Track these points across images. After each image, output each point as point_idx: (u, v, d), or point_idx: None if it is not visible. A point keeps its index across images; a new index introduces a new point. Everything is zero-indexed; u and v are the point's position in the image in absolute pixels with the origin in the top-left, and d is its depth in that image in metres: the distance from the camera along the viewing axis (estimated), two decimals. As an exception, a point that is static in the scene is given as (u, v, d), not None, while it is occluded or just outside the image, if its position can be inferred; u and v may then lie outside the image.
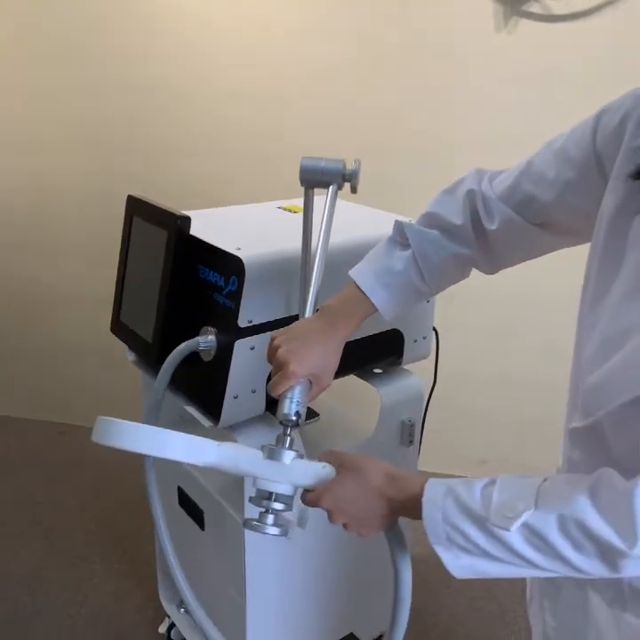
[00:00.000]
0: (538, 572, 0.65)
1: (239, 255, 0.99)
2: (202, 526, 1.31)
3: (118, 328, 1.25)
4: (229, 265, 1.01)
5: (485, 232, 0.85)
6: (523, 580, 0.86)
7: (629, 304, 0.65)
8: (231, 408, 1.05)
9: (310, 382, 0.81)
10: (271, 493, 0.75)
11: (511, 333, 2.12)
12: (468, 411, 2.21)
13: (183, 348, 1.04)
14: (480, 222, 0.84)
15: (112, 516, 2.10)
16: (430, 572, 0.69)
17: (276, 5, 1.95)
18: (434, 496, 0.69)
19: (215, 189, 2.11)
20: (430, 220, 0.89)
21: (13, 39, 2.15)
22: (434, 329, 1.34)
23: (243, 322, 1.01)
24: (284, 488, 0.75)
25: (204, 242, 1.07)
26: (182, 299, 1.08)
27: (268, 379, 1.04)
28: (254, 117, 2.07)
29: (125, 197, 1.23)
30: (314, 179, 0.90)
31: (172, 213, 1.07)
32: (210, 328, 1.05)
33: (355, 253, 0.93)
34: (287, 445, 0.77)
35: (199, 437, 0.74)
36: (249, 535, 1.14)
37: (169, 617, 1.60)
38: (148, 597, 1.76)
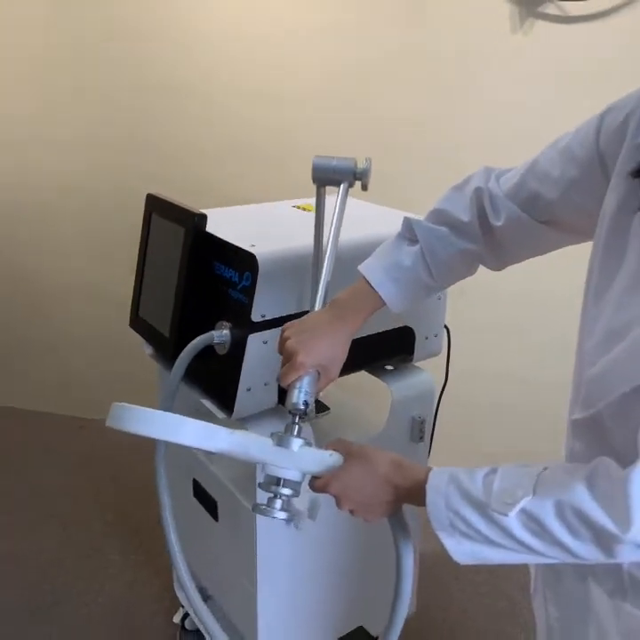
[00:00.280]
0: (538, 558, 0.67)
1: (253, 252, 1.02)
2: (215, 517, 1.34)
3: (137, 323, 1.29)
4: (244, 261, 1.04)
5: (492, 229, 0.86)
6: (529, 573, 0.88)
7: (630, 299, 0.66)
8: (244, 400, 1.08)
9: (318, 373, 0.83)
10: (279, 479, 0.78)
11: (521, 330, 2.13)
12: (480, 408, 2.22)
13: (198, 341, 1.07)
14: (487, 219, 0.86)
15: (128, 507, 2.15)
16: (439, 567, 0.71)
17: (292, 7, 1.98)
18: (437, 482, 0.71)
19: (231, 188, 2.15)
20: (438, 216, 0.90)
21: (42, 42, 2.20)
22: (445, 327, 1.35)
23: (256, 316, 1.04)
24: (292, 474, 0.77)
25: (220, 239, 1.10)
26: (198, 294, 1.12)
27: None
28: (269, 117, 2.10)
29: (142, 196, 1.26)
30: (325, 177, 0.92)
31: (189, 211, 1.10)
32: (224, 322, 1.08)
33: (364, 250, 0.95)
34: (295, 433, 0.80)
35: (211, 424, 0.77)
36: (261, 526, 1.17)
37: (183, 607, 1.63)
38: (164, 587, 1.80)
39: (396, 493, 0.76)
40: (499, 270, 0.94)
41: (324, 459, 0.79)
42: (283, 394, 1.11)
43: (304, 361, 0.81)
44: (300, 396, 0.80)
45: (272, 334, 1.06)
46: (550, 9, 1.79)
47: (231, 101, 2.12)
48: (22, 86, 2.27)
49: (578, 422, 0.75)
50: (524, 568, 0.84)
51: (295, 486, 0.78)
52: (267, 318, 1.05)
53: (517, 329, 2.12)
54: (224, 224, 1.15)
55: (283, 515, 0.78)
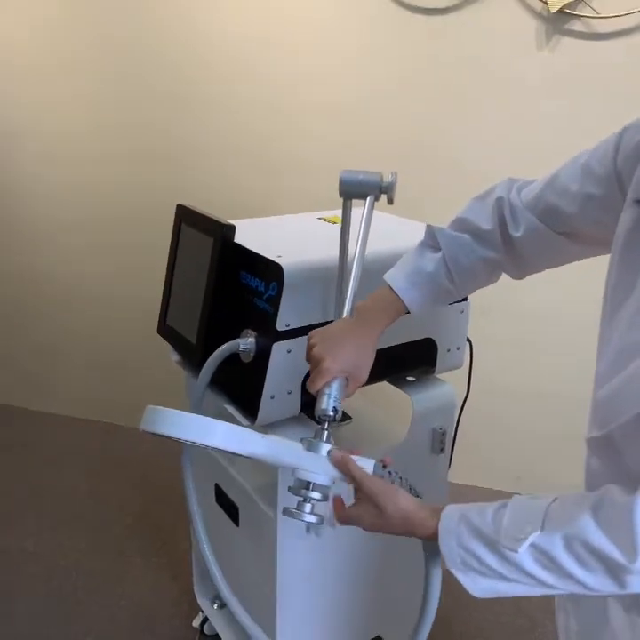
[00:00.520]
0: (553, 591, 0.68)
1: (279, 262, 1.04)
2: (237, 523, 1.36)
3: (164, 330, 1.32)
4: (270, 271, 1.06)
5: (511, 239, 0.88)
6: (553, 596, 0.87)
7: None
8: (268, 408, 1.10)
9: (346, 380, 0.85)
10: (309, 483, 0.80)
11: (544, 348, 2.12)
12: (502, 424, 2.21)
13: (224, 349, 1.10)
14: (507, 229, 0.88)
15: (151, 512, 2.18)
16: (457, 583, 0.72)
17: (316, 21, 2.02)
18: (448, 524, 0.72)
19: (259, 199, 2.19)
20: (461, 224, 0.92)
21: (62, 50, 2.27)
22: (468, 340, 1.36)
23: (281, 325, 1.06)
24: (321, 478, 0.80)
25: (247, 249, 1.13)
26: (225, 302, 1.14)
27: (306, 377, 1.10)
28: (293, 130, 2.14)
29: (172, 206, 1.30)
30: (352, 190, 0.94)
31: (218, 222, 1.13)
32: (250, 331, 1.11)
33: (389, 262, 0.97)
34: (325, 439, 0.82)
35: (243, 428, 0.79)
36: (282, 532, 1.18)
37: (202, 611, 1.65)
38: (184, 591, 1.82)
39: (411, 534, 0.77)
40: (519, 279, 0.95)
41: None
42: (306, 402, 1.13)
43: (330, 367, 0.83)
44: (329, 402, 0.82)
45: (296, 343, 1.08)
46: (577, 26, 1.81)
47: (255, 114, 2.15)
48: (40, 97, 2.34)
49: (593, 441, 0.75)
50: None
51: (324, 490, 0.81)
52: (291, 327, 1.07)
53: (541, 346, 2.12)
54: (251, 235, 1.18)
55: (312, 518, 0.80)
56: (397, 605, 1.44)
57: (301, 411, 1.15)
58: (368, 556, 1.35)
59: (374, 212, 0.97)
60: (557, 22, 1.82)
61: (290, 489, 0.82)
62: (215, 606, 1.61)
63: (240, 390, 1.17)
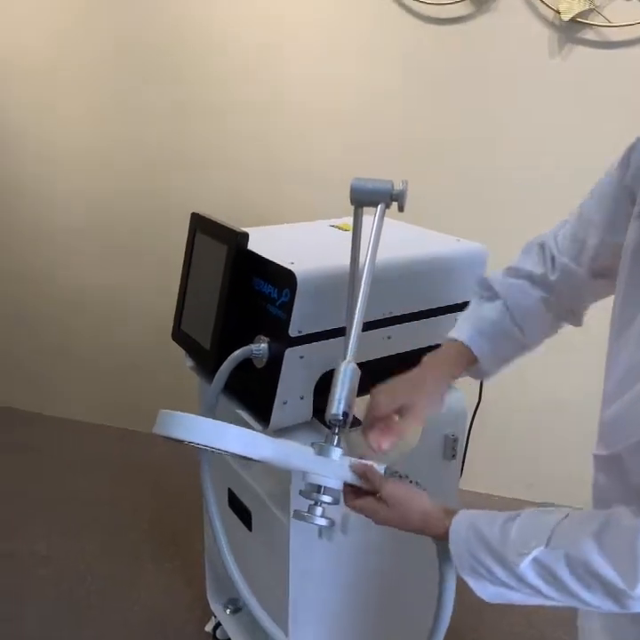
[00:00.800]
0: (557, 603, 0.69)
1: (292, 269, 1.06)
2: (249, 527, 1.37)
3: (178, 335, 1.34)
4: (283, 278, 1.08)
5: (551, 284, 0.89)
6: (564, 609, 0.87)
7: None
8: (280, 413, 1.11)
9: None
10: (320, 487, 0.81)
11: (557, 356, 2.11)
12: (513, 431, 2.20)
13: (237, 354, 1.11)
14: (548, 276, 0.89)
15: (164, 517, 2.19)
16: (469, 593, 0.74)
17: (328, 29, 2.03)
18: (459, 530, 0.74)
19: (271, 207, 2.21)
20: (514, 272, 0.93)
21: (82, 57, 2.31)
22: (480, 346, 1.36)
23: (293, 332, 1.07)
24: (332, 482, 0.81)
25: (261, 256, 1.14)
26: (238, 309, 1.16)
27: (318, 383, 1.11)
28: (306, 138, 2.15)
29: (187, 214, 1.32)
30: (363, 198, 0.95)
31: (232, 229, 1.15)
32: (262, 337, 1.12)
33: (400, 269, 0.97)
34: (335, 443, 0.83)
35: (255, 432, 0.81)
36: (294, 537, 1.19)
37: (215, 616, 1.66)
38: (197, 597, 1.83)
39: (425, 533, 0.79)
40: (577, 325, 0.96)
41: None
42: (317, 408, 1.14)
43: (379, 401, 0.84)
44: (339, 406, 0.83)
45: (309, 349, 1.09)
46: (589, 35, 1.81)
47: (261, 121, 2.18)
48: (44, 101, 2.37)
49: (600, 458, 0.76)
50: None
51: (335, 494, 0.82)
52: (303, 333, 1.08)
53: (551, 353, 2.10)
54: (264, 242, 1.19)
55: (323, 521, 0.81)
56: (410, 610, 1.44)
57: (313, 416, 1.16)
58: (381, 560, 1.35)
59: (385, 219, 0.98)
60: (570, 31, 1.82)
61: (301, 492, 0.83)
62: (228, 611, 1.61)
63: (253, 396, 1.18)
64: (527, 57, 1.89)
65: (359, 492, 0.82)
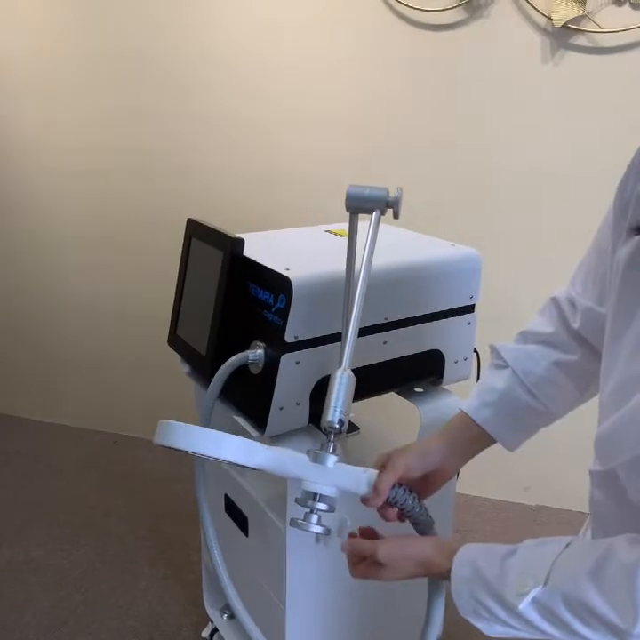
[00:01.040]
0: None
1: (288, 275, 1.06)
2: (246, 533, 1.37)
3: (174, 341, 1.34)
4: (278, 284, 1.08)
5: (577, 333, 0.84)
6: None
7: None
8: (276, 419, 1.11)
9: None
10: (316, 495, 0.81)
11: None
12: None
13: (233, 360, 1.11)
14: (570, 324, 0.85)
15: (160, 523, 2.19)
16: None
17: (325, 37, 2.04)
18: (461, 572, 0.73)
19: (267, 213, 2.21)
20: (525, 337, 0.91)
21: (78, 65, 2.31)
22: (475, 351, 1.37)
23: (289, 337, 1.07)
24: (328, 490, 0.81)
25: (256, 262, 1.14)
26: (234, 315, 1.16)
27: (315, 389, 1.11)
28: (302, 144, 2.16)
29: (182, 219, 1.32)
30: (358, 205, 0.96)
31: (227, 235, 1.15)
32: (259, 343, 1.12)
33: (395, 274, 0.98)
34: (331, 450, 0.82)
35: (251, 440, 0.81)
36: (291, 543, 1.19)
37: (212, 622, 1.66)
38: (193, 603, 1.82)
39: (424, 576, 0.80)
40: None
41: (357, 475, 0.82)
42: (314, 414, 1.15)
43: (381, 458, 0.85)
44: (335, 414, 0.83)
45: (305, 355, 1.09)
46: (581, 41, 1.83)
47: (266, 127, 2.18)
48: (43, 111, 2.38)
49: (596, 474, 0.74)
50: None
51: (331, 502, 0.81)
52: (299, 339, 1.09)
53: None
54: (260, 248, 1.19)
55: (319, 529, 0.81)
56: (407, 616, 1.44)
57: (309, 422, 1.16)
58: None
59: (381, 225, 0.98)
60: (562, 37, 1.84)
61: (297, 500, 0.83)
62: (224, 617, 1.61)
63: (249, 402, 1.18)
64: (520, 63, 1.90)
65: (355, 557, 0.83)
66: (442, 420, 1.31)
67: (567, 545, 0.68)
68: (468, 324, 1.31)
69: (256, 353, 1.11)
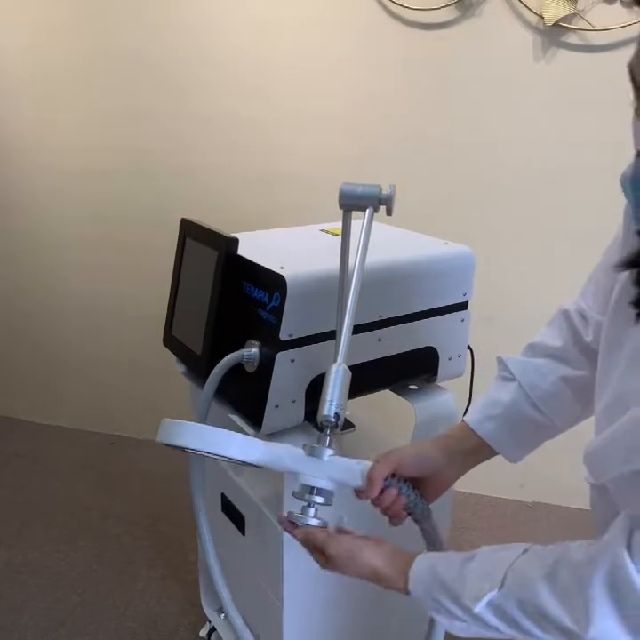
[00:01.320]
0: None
1: (282, 274, 1.06)
2: (243, 532, 1.37)
3: (170, 341, 1.34)
4: (273, 283, 1.08)
5: (589, 347, 0.82)
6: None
7: (634, 371, 0.64)
8: (272, 417, 1.11)
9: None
10: (313, 488, 0.82)
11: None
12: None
13: (229, 359, 1.12)
14: (582, 338, 0.83)
15: (158, 523, 2.19)
16: None
17: (319, 36, 2.05)
18: (419, 574, 0.75)
19: (261, 212, 2.22)
20: (533, 349, 0.89)
21: (80, 63, 2.31)
22: (469, 348, 1.38)
23: (284, 336, 1.08)
24: (324, 483, 0.82)
25: (251, 261, 1.15)
26: (229, 314, 1.16)
27: (310, 387, 1.11)
28: (297, 143, 2.17)
29: (176, 219, 1.32)
30: (352, 203, 0.96)
31: (221, 235, 1.16)
32: (254, 341, 1.13)
33: (389, 272, 0.98)
34: (326, 444, 0.83)
35: (246, 435, 0.82)
36: (288, 541, 1.19)
37: (210, 621, 1.66)
38: (191, 603, 1.83)
39: (378, 580, 0.81)
40: None
41: (351, 467, 0.83)
42: (309, 411, 1.15)
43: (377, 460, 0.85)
44: (331, 408, 0.84)
45: (299, 353, 1.10)
46: (572, 39, 1.83)
47: (260, 126, 2.18)
48: (40, 111, 2.37)
49: (590, 484, 0.74)
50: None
51: (327, 495, 0.83)
52: (294, 337, 1.09)
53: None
54: (254, 247, 1.20)
55: (315, 522, 0.82)
56: (404, 614, 1.45)
57: (305, 419, 1.17)
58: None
59: (375, 223, 0.99)
60: (553, 35, 1.85)
61: (294, 494, 0.84)
62: (222, 616, 1.61)
63: (245, 400, 1.19)
64: (512, 61, 1.91)
65: (309, 546, 0.84)
66: (437, 417, 1.33)
67: (524, 551, 0.69)
68: (462, 321, 1.32)
69: (251, 351, 1.12)
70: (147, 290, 2.40)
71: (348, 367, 0.88)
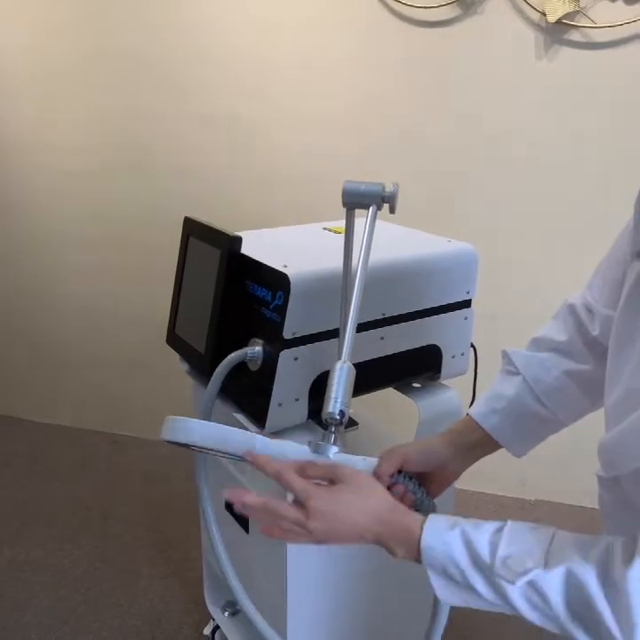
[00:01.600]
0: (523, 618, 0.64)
1: (285, 272, 1.06)
2: (246, 530, 1.37)
3: (173, 340, 1.34)
4: (276, 281, 1.08)
5: (596, 341, 0.82)
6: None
7: None
8: (276, 415, 1.11)
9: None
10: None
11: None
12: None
13: (232, 358, 1.12)
14: (588, 332, 0.83)
15: (159, 522, 2.19)
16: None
17: (320, 36, 2.05)
18: (438, 525, 0.68)
19: (264, 211, 2.21)
20: (537, 343, 0.89)
21: (81, 63, 2.31)
22: (472, 346, 1.38)
23: (287, 334, 1.08)
24: None
25: (254, 260, 1.15)
26: (232, 312, 1.16)
27: (313, 385, 1.11)
28: (299, 142, 2.17)
29: (178, 218, 1.32)
30: (355, 201, 0.96)
31: (225, 233, 1.16)
32: (257, 339, 1.13)
33: (392, 270, 0.98)
34: (331, 441, 0.83)
35: (251, 433, 0.82)
36: (290, 539, 1.19)
37: (213, 619, 1.66)
38: (194, 601, 1.83)
39: (378, 527, 0.72)
40: None
41: (356, 464, 0.83)
42: (313, 410, 1.15)
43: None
44: (336, 405, 0.84)
45: (303, 351, 1.10)
46: (575, 36, 1.83)
47: (263, 125, 2.19)
48: (41, 111, 2.37)
49: (602, 479, 0.73)
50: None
51: None
52: (297, 335, 1.09)
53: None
54: (258, 246, 1.20)
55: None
56: (408, 611, 1.45)
57: (309, 417, 1.17)
58: (379, 560, 1.35)
59: (378, 221, 0.99)
60: (555, 33, 1.84)
61: None
62: (226, 614, 1.61)
63: (248, 398, 1.19)
64: (514, 58, 1.91)
65: (268, 516, 0.75)
66: (440, 415, 1.33)
67: (554, 535, 0.65)
68: (465, 319, 1.32)
69: (254, 350, 1.12)
70: (147, 290, 2.41)
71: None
